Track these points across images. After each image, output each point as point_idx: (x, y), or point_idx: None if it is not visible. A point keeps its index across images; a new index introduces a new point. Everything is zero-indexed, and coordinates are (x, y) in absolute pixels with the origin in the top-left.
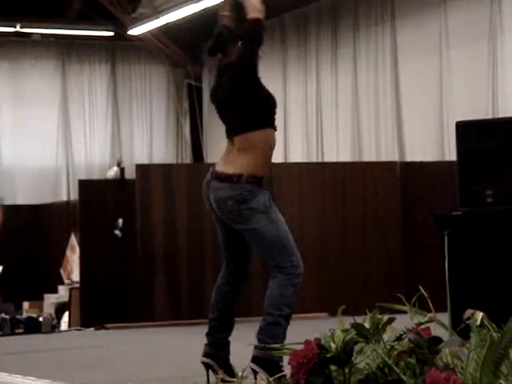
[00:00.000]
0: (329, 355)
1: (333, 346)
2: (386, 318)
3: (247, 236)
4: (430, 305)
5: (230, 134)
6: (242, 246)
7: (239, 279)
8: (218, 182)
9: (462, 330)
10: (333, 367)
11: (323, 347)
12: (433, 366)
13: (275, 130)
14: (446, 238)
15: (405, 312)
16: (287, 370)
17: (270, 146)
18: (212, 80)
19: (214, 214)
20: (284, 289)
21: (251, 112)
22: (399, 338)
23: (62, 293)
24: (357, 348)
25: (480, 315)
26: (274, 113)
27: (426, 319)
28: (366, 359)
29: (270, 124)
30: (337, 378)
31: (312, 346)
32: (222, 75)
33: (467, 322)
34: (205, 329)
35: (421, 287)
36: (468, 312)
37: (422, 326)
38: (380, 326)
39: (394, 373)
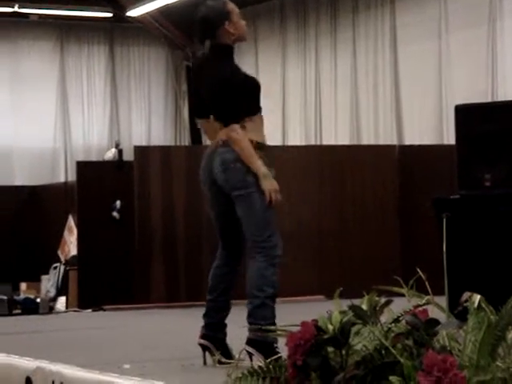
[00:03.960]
0: (326, 337)
1: (330, 327)
2: (383, 300)
3: (241, 204)
4: (428, 287)
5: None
6: (236, 225)
7: (235, 260)
8: (226, 147)
9: (459, 312)
10: (330, 349)
11: (320, 329)
12: (430, 348)
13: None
14: (444, 220)
15: (402, 294)
16: (283, 352)
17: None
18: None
19: (209, 190)
20: (264, 270)
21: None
22: (396, 320)
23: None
24: (354, 330)
25: (477, 298)
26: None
27: (423, 302)
28: (363, 341)
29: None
30: (334, 360)
31: (309, 327)
32: (210, 59)
33: (464, 305)
34: (202, 311)
35: (418, 270)
36: (465, 295)
37: (420, 309)
38: (377, 308)
39: (391, 355)
